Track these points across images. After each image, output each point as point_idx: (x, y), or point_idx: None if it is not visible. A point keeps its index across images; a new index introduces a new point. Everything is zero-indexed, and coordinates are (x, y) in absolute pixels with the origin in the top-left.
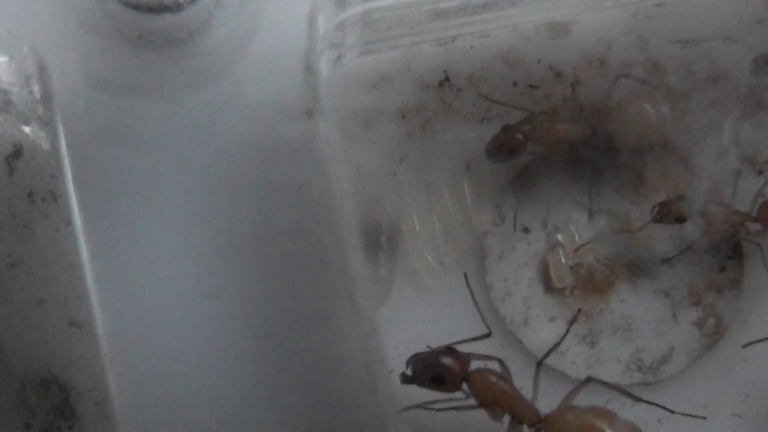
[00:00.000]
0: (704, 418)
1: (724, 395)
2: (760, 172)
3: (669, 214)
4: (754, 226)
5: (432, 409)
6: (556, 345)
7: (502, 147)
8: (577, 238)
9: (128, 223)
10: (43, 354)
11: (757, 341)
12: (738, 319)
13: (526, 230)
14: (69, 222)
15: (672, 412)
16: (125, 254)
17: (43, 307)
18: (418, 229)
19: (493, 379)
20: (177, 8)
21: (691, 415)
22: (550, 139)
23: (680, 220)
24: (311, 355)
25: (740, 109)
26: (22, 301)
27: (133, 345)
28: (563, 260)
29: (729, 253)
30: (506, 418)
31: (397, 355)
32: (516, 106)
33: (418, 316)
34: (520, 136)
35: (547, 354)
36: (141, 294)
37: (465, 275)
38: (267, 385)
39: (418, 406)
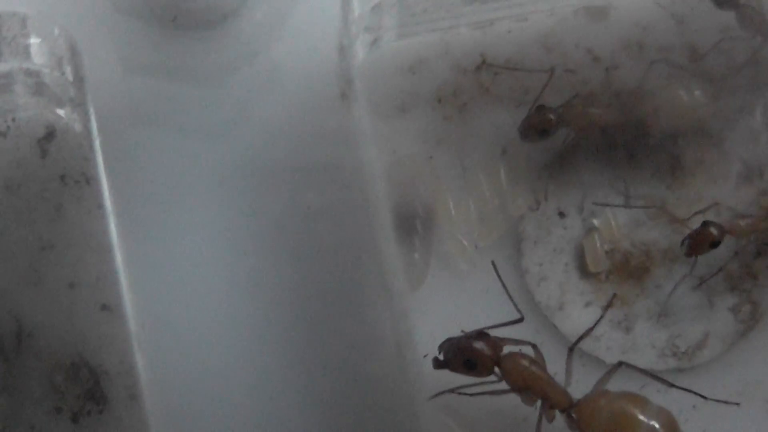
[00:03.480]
0: (738, 404)
1: (760, 382)
2: None
3: (702, 244)
4: None
5: (464, 393)
6: (590, 330)
7: (534, 127)
8: (613, 223)
9: (159, 206)
10: (73, 337)
11: None
12: None
13: (561, 215)
14: (101, 205)
15: (705, 398)
16: (156, 237)
17: (74, 291)
18: (453, 213)
19: (526, 363)
20: None
21: (725, 402)
22: (583, 123)
23: (714, 245)
24: (343, 338)
25: None
26: (54, 284)
27: (163, 328)
28: (599, 245)
29: (764, 239)
30: (538, 404)
31: (430, 340)
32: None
33: (452, 301)
34: (552, 117)
35: (580, 339)
36: (171, 277)
37: (493, 263)
38: (298, 368)
39: (451, 391)
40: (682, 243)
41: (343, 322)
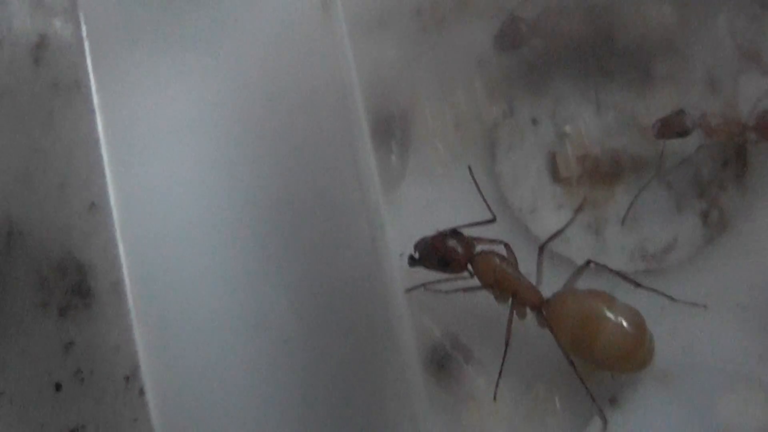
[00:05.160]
0: (705, 306)
1: (727, 286)
2: (766, 72)
3: (670, 129)
4: (752, 136)
5: (438, 291)
6: (561, 230)
7: (507, 37)
8: (584, 131)
9: (147, 110)
10: (62, 235)
11: None
12: (742, 213)
13: (534, 122)
14: (91, 110)
15: (673, 300)
16: (142, 138)
17: (64, 191)
18: (429, 119)
19: (498, 261)
20: None
21: (692, 304)
22: (555, 34)
23: (682, 134)
24: (318, 234)
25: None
26: (44, 185)
27: (148, 225)
28: (570, 151)
29: (731, 150)
30: (510, 301)
31: (406, 240)
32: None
33: (427, 202)
34: (524, 28)
35: (551, 238)
36: (156, 178)
37: (469, 167)
38: (272, 262)
39: (423, 285)
40: (654, 125)
41: (320, 220)
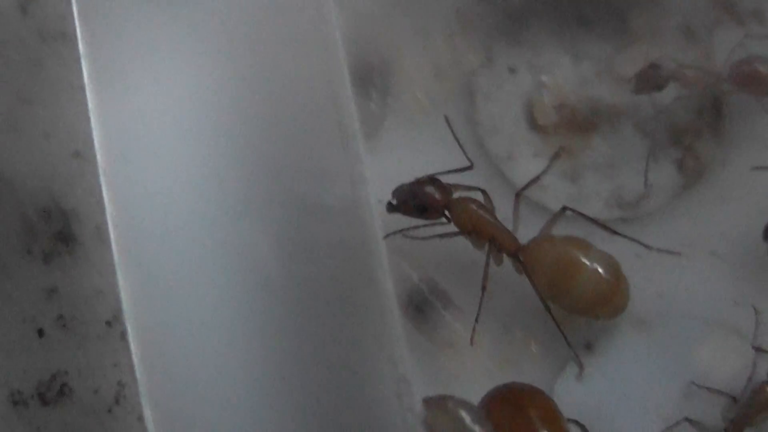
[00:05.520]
0: (680, 254)
1: (702, 234)
2: (741, 23)
3: (647, 84)
4: (727, 86)
5: (416, 237)
6: (537, 178)
7: None
8: (561, 80)
9: (133, 60)
10: (47, 183)
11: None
12: (718, 161)
13: (512, 71)
14: (77, 60)
15: (648, 247)
16: (128, 87)
17: (49, 140)
18: (409, 68)
19: (474, 207)
20: None
21: (668, 251)
22: None
23: (659, 87)
24: (300, 181)
25: None
26: (30, 133)
27: (132, 171)
28: (547, 100)
29: (707, 100)
30: (487, 248)
31: (385, 187)
32: None
33: (406, 150)
34: None
35: (528, 185)
36: (140, 126)
37: (446, 118)
38: (254, 206)
39: (401, 231)
40: (630, 81)
41: (299, 164)
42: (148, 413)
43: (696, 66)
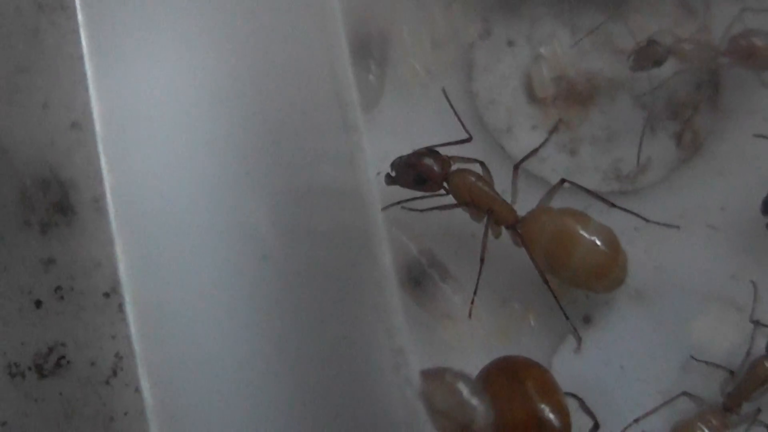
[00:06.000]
0: (678, 227)
1: (700, 207)
2: None
3: (645, 60)
4: (724, 60)
5: (414, 209)
6: (535, 150)
7: None
8: (559, 52)
9: (132, 31)
10: (45, 154)
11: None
12: (715, 134)
13: (510, 44)
14: (75, 30)
15: (646, 220)
16: (127, 57)
17: (47, 110)
18: (408, 40)
19: (473, 179)
20: None
21: (666, 225)
22: None
23: (657, 64)
24: (298, 152)
25: None
26: (28, 104)
27: (131, 142)
28: (545, 72)
29: (705, 74)
30: (485, 220)
31: (383, 159)
32: None
33: (404, 122)
34: None
35: (526, 158)
36: (139, 95)
37: (443, 90)
38: (253, 177)
39: (399, 203)
40: (628, 58)
41: (297, 135)
42: (145, 385)
43: (694, 40)
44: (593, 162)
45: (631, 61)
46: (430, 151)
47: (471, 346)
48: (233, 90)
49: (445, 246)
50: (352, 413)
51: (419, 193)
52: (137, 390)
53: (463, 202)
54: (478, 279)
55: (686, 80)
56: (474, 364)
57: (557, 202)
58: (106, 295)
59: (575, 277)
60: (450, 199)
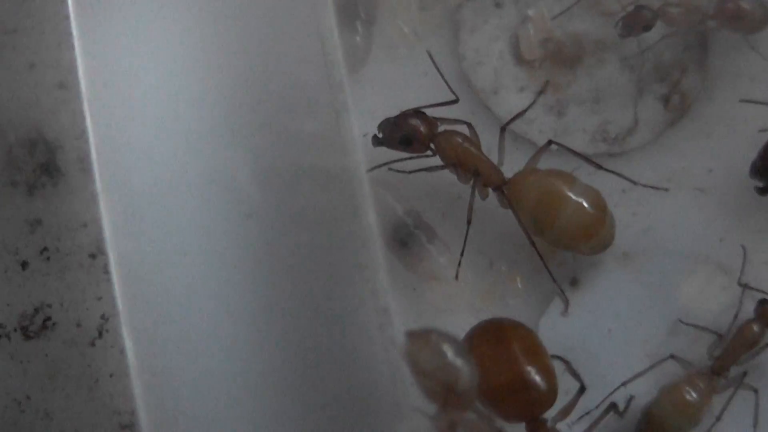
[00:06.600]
0: (666, 189)
1: (687, 170)
2: None
3: (635, 25)
4: (712, 23)
5: (400, 171)
6: (523, 112)
7: None
8: (546, 14)
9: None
10: (32, 114)
11: (753, 101)
12: (703, 97)
13: (498, 5)
14: None
15: (634, 182)
16: (114, 16)
17: (34, 71)
18: (394, 0)
19: (460, 140)
20: None
21: (654, 187)
22: None
23: (647, 28)
24: (284, 112)
25: None
26: (15, 65)
27: (117, 103)
28: (533, 34)
29: (693, 37)
30: (472, 182)
31: (370, 121)
32: None
33: (391, 84)
34: None
35: (513, 119)
36: (126, 56)
37: (429, 53)
38: (237, 135)
39: (386, 164)
40: (616, 24)
41: (284, 98)
42: (130, 346)
43: (681, 3)
44: (581, 124)
45: (619, 27)
46: (417, 113)
47: (457, 307)
48: (218, 49)
49: (432, 207)
50: (336, 370)
51: (406, 155)
52: (122, 351)
53: (450, 164)
54: (465, 241)
55: (674, 43)
56: (460, 326)
57: (544, 164)
58: (92, 256)
59: (562, 239)
60: (437, 161)
